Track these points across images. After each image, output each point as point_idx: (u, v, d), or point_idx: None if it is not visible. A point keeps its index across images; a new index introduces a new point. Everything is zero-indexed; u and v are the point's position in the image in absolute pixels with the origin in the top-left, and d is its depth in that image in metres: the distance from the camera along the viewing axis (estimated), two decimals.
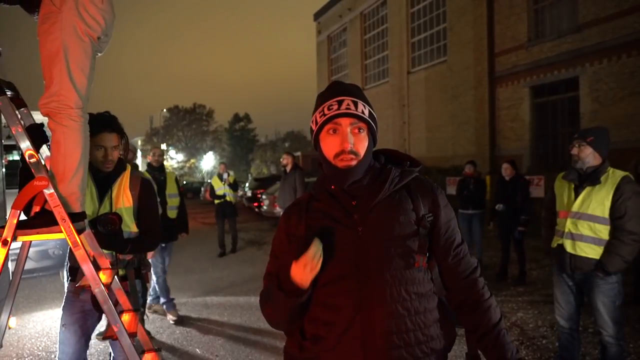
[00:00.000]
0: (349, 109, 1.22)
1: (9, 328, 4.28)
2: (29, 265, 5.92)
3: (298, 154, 23.49)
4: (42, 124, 1.98)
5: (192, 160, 52.13)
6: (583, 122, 11.58)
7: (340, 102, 1.23)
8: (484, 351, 1.28)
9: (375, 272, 1.19)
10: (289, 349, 1.34)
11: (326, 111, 1.24)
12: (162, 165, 5.36)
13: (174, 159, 56.78)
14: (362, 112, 1.24)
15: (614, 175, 2.79)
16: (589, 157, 2.83)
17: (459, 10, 15.97)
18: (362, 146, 1.25)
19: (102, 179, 2.32)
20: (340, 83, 1.32)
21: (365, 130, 1.26)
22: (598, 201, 2.77)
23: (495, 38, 14.52)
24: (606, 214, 2.76)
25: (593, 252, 2.79)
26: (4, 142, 5.10)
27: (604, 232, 2.78)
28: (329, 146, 1.25)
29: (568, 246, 2.88)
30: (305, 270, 1.14)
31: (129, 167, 2.42)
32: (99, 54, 2.06)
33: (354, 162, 1.23)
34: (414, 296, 1.20)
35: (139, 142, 58.98)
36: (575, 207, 2.86)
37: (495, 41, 14.54)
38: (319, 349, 1.23)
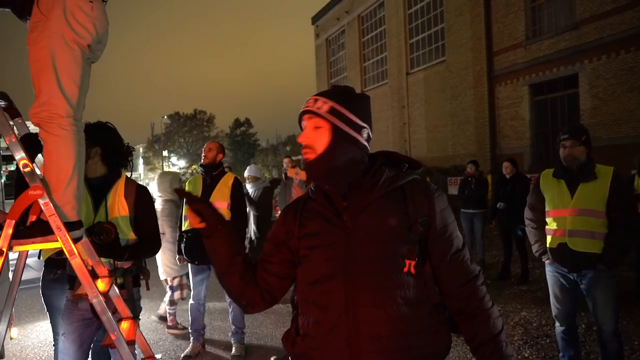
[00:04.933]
0: (307, 106, 1.29)
1: (11, 338, 4.28)
2: (30, 275, 5.91)
3: (299, 157, 23.47)
4: (37, 134, 1.98)
5: (194, 166, 52.17)
6: (583, 119, 11.55)
7: (307, 101, 1.31)
8: None
9: (363, 274, 1.18)
10: (284, 342, 1.37)
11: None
12: (212, 164, 3.95)
13: (175, 165, 56.92)
14: (318, 109, 1.27)
15: (606, 170, 2.83)
16: (583, 155, 2.85)
17: (456, 10, 15.99)
18: (320, 142, 1.26)
19: (96, 187, 2.31)
20: (333, 86, 1.37)
21: (325, 127, 1.25)
22: (595, 196, 2.79)
23: (493, 37, 14.53)
24: (603, 208, 2.78)
25: (594, 247, 2.79)
26: (3, 152, 5.12)
27: (603, 226, 2.79)
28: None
29: (571, 243, 2.85)
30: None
31: (124, 175, 2.42)
32: (94, 62, 2.05)
33: (310, 156, 1.28)
34: (401, 301, 1.17)
35: (141, 150, 59.25)
36: (572, 204, 2.85)
37: (493, 40, 14.55)
38: (307, 345, 1.25)
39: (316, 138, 1.26)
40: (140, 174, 59.48)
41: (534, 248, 3.15)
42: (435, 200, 1.27)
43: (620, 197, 2.76)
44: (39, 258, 2.85)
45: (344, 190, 1.27)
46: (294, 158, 7.97)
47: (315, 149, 1.26)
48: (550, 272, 3.06)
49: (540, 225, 3.08)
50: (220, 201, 3.86)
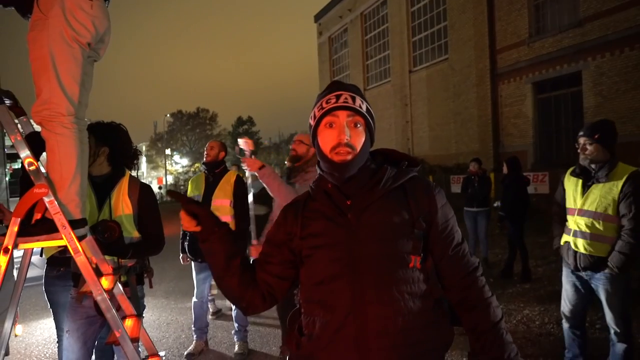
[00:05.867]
0: (347, 102, 1.25)
1: (15, 336, 4.31)
2: (35, 272, 5.95)
3: None
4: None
5: (197, 165, 52.27)
6: (587, 117, 11.51)
7: (338, 97, 1.26)
8: (482, 351, 1.26)
9: (368, 272, 1.19)
10: (288, 345, 1.36)
11: (324, 105, 1.26)
12: (214, 162, 4.00)
13: (178, 163, 57.02)
14: (360, 107, 1.26)
15: (623, 171, 2.72)
16: (598, 154, 2.76)
17: (459, 7, 15.94)
18: (359, 141, 1.25)
19: (100, 185, 2.32)
20: (339, 82, 1.35)
21: (363, 125, 1.27)
22: (605, 198, 2.72)
23: (496, 35, 14.48)
24: (613, 211, 2.70)
25: (597, 249, 2.76)
26: (7, 150, 5.13)
27: (610, 229, 2.73)
28: (326, 139, 1.26)
29: (575, 244, 2.85)
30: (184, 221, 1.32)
31: (127, 173, 2.42)
32: (96, 61, 2.06)
33: (349, 157, 1.23)
34: (407, 296, 1.19)
35: (144, 148, 59.40)
36: (582, 204, 2.82)
37: (496, 38, 14.50)
38: (313, 346, 1.24)
39: (355, 136, 1.25)
40: (143, 172, 59.65)
41: (554, 242, 3.15)
42: (436, 196, 1.30)
43: (632, 201, 2.63)
44: (41, 256, 2.86)
45: (353, 189, 1.26)
46: None
47: (355, 148, 1.24)
48: (564, 268, 3.05)
49: (562, 220, 3.06)
50: (223, 199, 3.89)
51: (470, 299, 1.28)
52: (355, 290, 1.18)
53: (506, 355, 1.23)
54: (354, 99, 1.25)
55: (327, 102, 1.26)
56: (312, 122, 1.31)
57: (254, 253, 3.19)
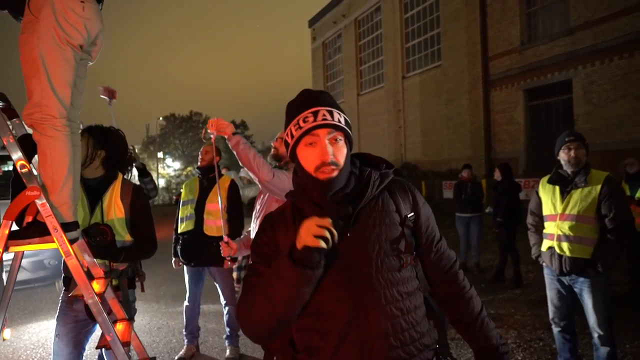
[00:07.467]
0: (326, 119, 1.20)
1: (4, 339, 4.26)
2: (24, 276, 5.89)
3: None
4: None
5: (189, 168, 52.06)
6: (577, 124, 11.65)
7: (315, 113, 1.20)
8: (470, 341, 1.32)
9: (367, 276, 1.19)
10: None
11: (302, 124, 1.21)
12: (208, 166, 3.97)
13: (170, 167, 56.75)
14: (339, 121, 1.22)
15: (598, 176, 2.88)
16: (585, 158, 2.91)
17: (452, 15, 16.09)
18: (342, 155, 1.23)
19: (93, 188, 2.31)
20: (310, 92, 1.29)
21: (343, 138, 1.24)
22: (585, 202, 2.84)
23: (489, 42, 14.63)
24: (593, 213, 2.83)
25: (582, 252, 2.84)
26: None
27: (592, 231, 2.84)
28: (308, 159, 1.22)
29: (559, 248, 2.91)
30: (308, 233, 1.04)
31: (120, 176, 2.41)
32: (91, 63, 2.06)
33: (335, 173, 1.20)
34: (404, 295, 1.21)
35: (136, 151, 59.04)
36: (564, 209, 2.92)
37: (488, 45, 14.65)
38: (317, 359, 1.20)
39: (338, 152, 1.22)
40: (134, 176, 59.22)
41: (532, 251, 3.23)
42: (416, 196, 1.34)
43: (611, 203, 2.79)
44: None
45: (342, 196, 1.24)
46: None
47: (339, 163, 1.21)
48: (546, 275, 3.13)
49: (539, 229, 3.16)
50: (217, 203, 3.84)
51: (454, 292, 1.34)
52: (356, 295, 1.17)
53: (494, 341, 1.30)
54: (331, 114, 1.21)
55: (304, 121, 1.20)
56: (289, 140, 1.25)
57: (225, 251, 2.79)
